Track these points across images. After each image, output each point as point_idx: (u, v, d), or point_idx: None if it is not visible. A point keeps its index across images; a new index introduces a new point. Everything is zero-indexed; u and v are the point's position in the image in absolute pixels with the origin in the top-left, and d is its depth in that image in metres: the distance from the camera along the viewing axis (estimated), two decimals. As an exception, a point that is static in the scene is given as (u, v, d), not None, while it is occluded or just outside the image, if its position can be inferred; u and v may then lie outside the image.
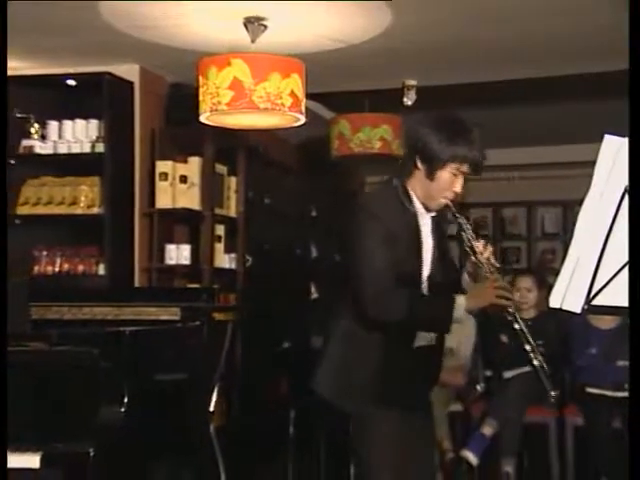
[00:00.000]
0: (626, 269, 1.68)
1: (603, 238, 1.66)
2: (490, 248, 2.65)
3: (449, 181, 2.64)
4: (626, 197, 1.63)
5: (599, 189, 1.67)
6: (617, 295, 1.69)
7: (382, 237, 2.58)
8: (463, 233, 2.64)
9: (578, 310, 1.71)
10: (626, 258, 1.68)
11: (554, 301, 1.73)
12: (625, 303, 1.70)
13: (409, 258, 2.65)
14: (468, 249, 2.64)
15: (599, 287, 1.68)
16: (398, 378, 2.62)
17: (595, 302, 1.70)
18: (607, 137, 1.69)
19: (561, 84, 5.74)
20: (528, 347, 2.59)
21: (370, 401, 2.64)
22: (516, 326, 2.61)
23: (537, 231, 8.94)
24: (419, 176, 2.69)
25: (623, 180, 1.65)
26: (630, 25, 1.89)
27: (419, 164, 2.68)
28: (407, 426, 2.69)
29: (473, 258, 2.62)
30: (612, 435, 4.94)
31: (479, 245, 2.62)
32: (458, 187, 2.65)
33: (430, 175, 2.65)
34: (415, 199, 2.71)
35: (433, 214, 2.76)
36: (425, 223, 2.74)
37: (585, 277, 1.68)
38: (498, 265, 2.63)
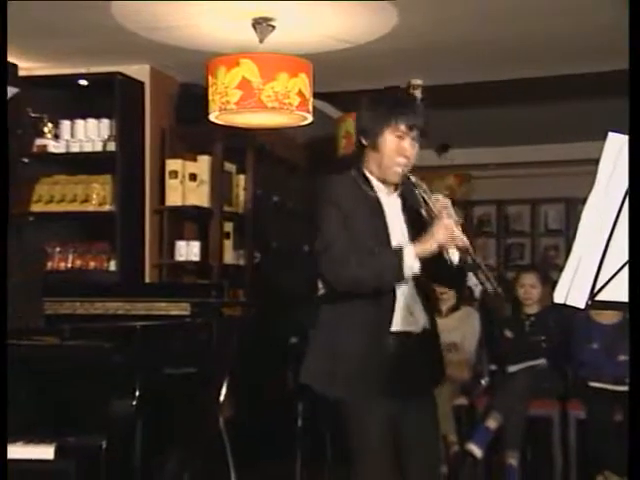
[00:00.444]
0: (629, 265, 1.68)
1: (607, 234, 1.66)
2: (448, 201, 2.60)
3: (394, 146, 2.62)
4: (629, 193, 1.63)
5: (603, 186, 1.66)
6: (620, 290, 1.68)
7: (339, 219, 2.58)
8: (420, 195, 2.61)
9: (582, 305, 1.70)
10: (628, 255, 1.68)
11: (558, 296, 1.72)
12: (626, 299, 1.70)
13: (374, 239, 2.62)
14: (424, 207, 2.61)
15: (603, 283, 1.67)
16: (379, 364, 2.60)
17: (599, 297, 1.69)
18: (610, 134, 1.69)
19: (563, 83, 5.73)
20: (480, 277, 2.51)
21: (351, 387, 2.62)
22: (468, 259, 2.52)
23: (540, 228, 8.92)
24: (369, 154, 2.69)
25: (626, 177, 1.65)
26: (630, 25, 1.88)
27: (364, 141, 2.70)
28: (395, 413, 2.67)
29: (427, 212, 2.60)
30: (614, 428, 4.93)
31: (437, 200, 2.59)
32: (407, 151, 2.63)
33: (374, 146, 2.65)
34: (374, 181, 2.70)
35: (399, 192, 2.73)
36: (391, 203, 2.71)
37: (589, 273, 1.68)
38: (454, 215, 2.56)
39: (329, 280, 2.60)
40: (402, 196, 2.74)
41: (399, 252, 2.54)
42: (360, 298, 2.61)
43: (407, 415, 2.69)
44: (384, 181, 2.69)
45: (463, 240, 2.53)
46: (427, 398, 2.80)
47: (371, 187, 2.69)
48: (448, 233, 2.52)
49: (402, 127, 2.61)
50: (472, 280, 6.87)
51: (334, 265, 2.55)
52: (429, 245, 2.52)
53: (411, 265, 2.52)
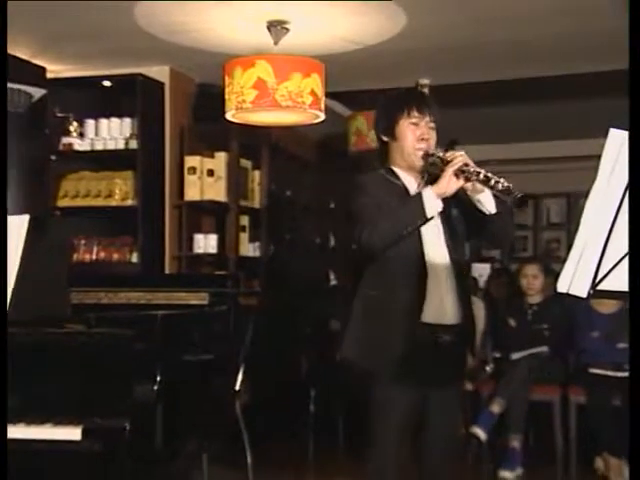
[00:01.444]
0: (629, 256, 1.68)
1: (608, 227, 1.65)
2: (459, 153, 2.59)
3: (411, 132, 2.66)
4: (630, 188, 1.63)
5: (604, 180, 1.66)
6: (621, 280, 1.68)
7: (373, 207, 2.60)
8: (437, 157, 2.61)
9: (584, 294, 1.70)
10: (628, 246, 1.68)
11: (562, 286, 1.71)
12: (627, 288, 1.70)
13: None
14: (439, 162, 2.60)
15: (604, 273, 1.67)
16: (408, 352, 2.59)
17: (600, 287, 1.68)
18: (612, 130, 1.68)
19: (564, 83, 5.71)
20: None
21: (382, 370, 2.62)
22: (481, 176, 2.48)
23: (543, 221, 8.90)
24: (391, 148, 2.72)
25: (627, 171, 1.64)
26: (630, 25, 1.86)
27: (384, 138, 2.73)
28: (421, 398, 2.67)
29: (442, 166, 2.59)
30: (613, 412, 4.93)
31: (450, 154, 2.58)
32: (425, 135, 2.66)
33: (394, 137, 2.69)
34: (401, 174, 2.72)
35: (425, 181, 2.72)
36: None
37: (591, 263, 1.67)
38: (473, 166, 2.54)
39: (366, 243, 2.56)
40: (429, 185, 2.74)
41: (419, 195, 2.54)
42: (391, 283, 2.61)
43: (432, 400, 2.69)
44: (410, 169, 2.71)
45: (474, 166, 2.52)
46: (452, 386, 2.80)
47: (398, 179, 2.72)
48: (458, 166, 2.50)
49: (415, 114, 2.66)
50: (476, 271, 6.88)
51: (371, 233, 2.54)
52: (445, 182, 2.51)
53: (432, 204, 2.51)
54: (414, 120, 2.66)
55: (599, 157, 1.73)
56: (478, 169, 2.51)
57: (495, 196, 2.57)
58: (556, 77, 5.59)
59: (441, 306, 2.63)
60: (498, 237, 2.78)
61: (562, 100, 6.46)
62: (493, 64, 5.37)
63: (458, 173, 2.51)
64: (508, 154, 7.57)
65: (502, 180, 2.46)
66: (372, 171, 2.80)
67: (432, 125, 2.69)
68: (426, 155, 2.65)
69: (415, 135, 2.66)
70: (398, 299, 2.60)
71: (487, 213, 2.61)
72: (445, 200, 2.58)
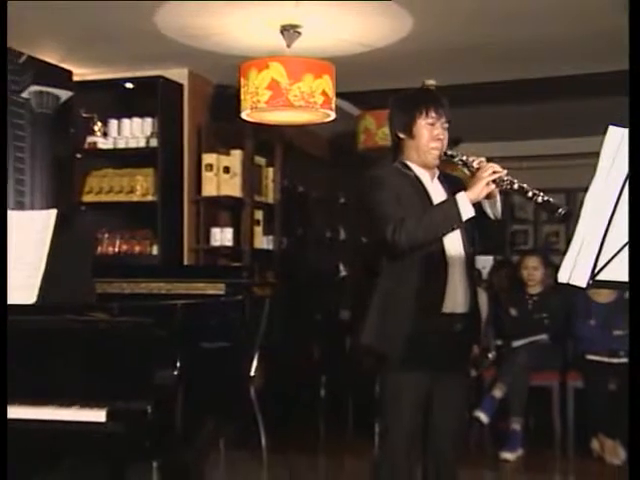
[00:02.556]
0: (626, 248, 1.67)
1: (607, 219, 1.64)
2: (483, 159, 2.58)
3: (427, 131, 2.65)
4: (628, 182, 1.61)
5: (604, 175, 1.65)
6: (619, 271, 1.67)
7: (392, 199, 2.59)
8: (459, 160, 2.60)
9: (584, 285, 1.69)
10: (626, 239, 1.67)
11: (562, 277, 1.70)
12: (625, 278, 1.69)
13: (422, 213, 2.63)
14: (465, 168, 2.59)
15: (603, 264, 1.66)
16: (425, 338, 2.59)
17: (599, 277, 1.67)
18: (611, 127, 1.67)
19: (563, 83, 5.69)
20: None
21: (399, 355, 2.61)
22: (515, 186, 2.47)
23: (543, 216, 8.85)
24: (406, 145, 2.71)
25: (626, 167, 1.63)
26: (630, 25, 1.83)
27: (400, 135, 2.71)
28: (432, 382, 2.67)
29: (469, 172, 2.58)
30: (608, 396, 4.93)
31: (475, 160, 2.57)
32: (440, 135, 2.65)
33: (411, 135, 2.68)
34: (415, 168, 2.71)
35: (437, 177, 2.73)
36: (434, 187, 2.71)
37: (590, 255, 1.66)
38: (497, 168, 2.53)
39: (399, 244, 2.54)
40: (441, 180, 2.74)
41: (454, 199, 2.53)
42: (415, 276, 2.60)
43: (442, 385, 2.69)
44: (424, 166, 2.70)
45: (507, 175, 2.51)
46: (461, 372, 2.81)
47: (412, 171, 2.71)
48: (492, 174, 2.49)
49: (432, 114, 2.65)
50: (480, 263, 6.85)
51: (399, 231, 2.52)
52: (479, 188, 2.50)
53: (466, 209, 2.50)
54: (431, 120, 2.65)
55: (597, 154, 1.72)
56: (513, 179, 2.50)
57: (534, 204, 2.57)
58: (556, 77, 5.56)
59: (456, 296, 2.63)
60: (493, 239, 2.78)
61: (560, 100, 6.43)
62: (495, 65, 5.35)
63: (490, 182, 2.51)
64: (508, 152, 7.53)
65: (541, 194, 2.45)
66: (386, 165, 2.79)
67: (446, 125, 2.68)
68: (442, 155, 2.65)
69: (431, 134, 2.65)
70: (419, 291, 2.60)
71: (492, 218, 2.61)
72: None
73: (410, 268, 2.61)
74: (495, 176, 2.50)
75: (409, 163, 2.71)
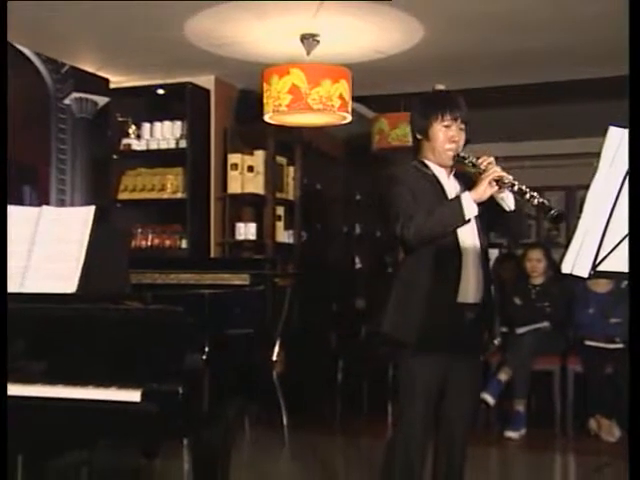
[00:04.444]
0: (625, 240, 1.65)
1: (607, 215, 1.63)
2: (491, 159, 2.56)
3: (443, 134, 2.63)
4: (627, 179, 1.60)
5: (604, 172, 1.63)
6: (618, 262, 1.65)
7: (408, 196, 2.58)
8: (469, 162, 2.59)
9: (586, 275, 1.67)
10: (625, 232, 1.65)
11: (565, 268, 1.69)
12: (624, 269, 1.68)
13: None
14: (472, 166, 2.58)
15: (603, 256, 1.64)
16: (441, 327, 2.58)
17: (599, 268, 1.66)
18: (611, 128, 1.65)
19: (563, 87, 5.66)
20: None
21: (416, 341, 2.60)
22: (515, 188, 2.46)
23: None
24: (424, 145, 2.69)
25: (625, 165, 1.62)
26: (630, 29, 1.80)
27: (418, 136, 2.70)
28: (447, 368, 2.66)
29: (473, 169, 2.57)
30: (605, 379, 4.92)
31: (483, 162, 2.55)
32: (455, 137, 2.64)
33: (427, 136, 2.66)
34: (432, 166, 2.69)
35: (453, 174, 2.72)
36: (449, 184, 2.70)
37: (591, 248, 1.65)
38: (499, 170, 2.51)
39: (407, 239, 2.54)
40: (457, 177, 2.73)
41: (458, 199, 2.52)
42: (431, 268, 2.59)
43: (455, 370, 2.67)
44: (440, 165, 2.69)
45: (509, 177, 2.49)
46: (474, 358, 2.80)
47: (429, 169, 2.70)
48: (495, 176, 2.48)
49: (447, 117, 2.63)
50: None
51: (407, 227, 2.52)
52: (482, 189, 2.49)
53: (470, 208, 2.50)
54: (446, 123, 2.63)
55: (595, 154, 1.70)
56: (513, 181, 2.49)
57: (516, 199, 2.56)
58: (557, 82, 5.53)
59: (469, 287, 2.61)
60: (514, 231, 2.77)
61: (561, 103, 6.39)
62: (500, 71, 5.32)
63: (492, 182, 2.50)
64: (512, 151, 7.48)
65: (536, 195, 2.43)
66: (405, 164, 2.78)
67: (462, 127, 2.66)
68: (456, 156, 2.64)
69: (446, 136, 2.63)
70: (435, 282, 2.58)
71: (507, 210, 2.60)
72: None
73: (426, 261, 2.59)
74: (495, 176, 2.48)
75: (427, 162, 2.70)
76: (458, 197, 2.53)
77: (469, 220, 2.53)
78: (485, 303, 2.68)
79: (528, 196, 2.43)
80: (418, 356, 2.59)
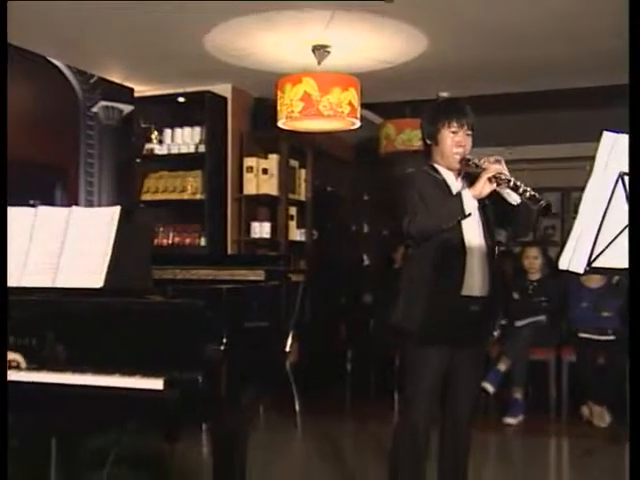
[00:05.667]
0: (618, 238, 1.65)
1: (601, 214, 1.62)
2: (491, 159, 2.56)
3: (450, 139, 2.64)
4: (620, 181, 1.59)
5: (599, 174, 1.62)
6: (612, 259, 1.65)
7: (412, 193, 2.59)
8: (473, 163, 2.59)
9: (581, 271, 1.66)
10: (618, 230, 1.64)
11: (562, 264, 1.68)
12: (617, 265, 1.67)
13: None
14: (475, 167, 2.58)
15: (597, 253, 1.63)
16: (446, 319, 2.58)
17: (594, 265, 1.65)
18: (605, 133, 1.64)
19: (559, 96, 5.64)
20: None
21: (423, 332, 2.60)
22: (511, 183, 2.46)
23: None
24: (433, 150, 2.70)
25: (618, 167, 1.61)
26: (630, 42, 1.78)
27: (428, 141, 2.71)
28: (451, 358, 2.65)
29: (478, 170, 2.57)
30: (597, 369, 4.91)
31: (484, 162, 2.55)
32: (462, 142, 2.64)
33: (436, 142, 2.67)
34: (441, 169, 2.70)
35: (461, 176, 2.71)
36: (457, 185, 2.69)
37: (587, 245, 1.64)
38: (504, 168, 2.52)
39: (412, 234, 2.55)
40: (464, 179, 2.72)
41: (459, 195, 2.53)
42: (437, 262, 2.59)
43: (460, 358, 2.67)
44: (448, 168, 2.69)
45: (506, 174, 2.50)
46: (477, 348, 2.77)
47: (439, 173, 2.70)
48: (491, 173, 2.49)
49: (454, 124, 2.63)
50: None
51: (416, 224, 2.53)
52: (480, 185, 2.50)
53: (469, 203, 2.50)
54: (454, 129, 2.63)
55: (587, 158, 1.69)
56: (509, 177, 2.50)
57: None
58: (552, 91, 5.52)
59: (473, 281, 2.60)
60: (521, 225, 2.73)
61: (556, 110, 6.37)
62: (499, 80, 5.30)
63: (491, 179, 2.50)
64: (512, 155, 7.45)
65: (529, 189, 2.44)
66: (416, 167, 2.78)
67: (469, 133, 2.66)
68: (463, 160, 2.64)
69: (454, 142, 2.64)
70: (441, 276, 2.58)
71: (513, 204, 2.60)
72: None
73: (432, 255, 2.59)
74: (492, 173, 2.49)
75: (436, 165, 2.71)
76: (459, 193, 2.55)
77: (469, 214, 2.52)
78: (489, 296, 2.66)
79: (521, 190, 2.44)
80: (425, 345, 2.59)
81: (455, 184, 2.69)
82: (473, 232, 2.62)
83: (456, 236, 2.58)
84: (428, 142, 2.71)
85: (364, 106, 4.84)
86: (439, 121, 2.65)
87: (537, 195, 2.41)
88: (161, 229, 5.41)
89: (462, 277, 2.58)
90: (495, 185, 2.50)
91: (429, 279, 2.59)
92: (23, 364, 2.12)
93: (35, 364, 2.11)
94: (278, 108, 4.40)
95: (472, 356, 2.71)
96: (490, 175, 2.49)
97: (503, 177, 2.49)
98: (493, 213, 2.66)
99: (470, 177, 2.73)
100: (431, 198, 2.60)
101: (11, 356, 2.11)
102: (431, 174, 2.69)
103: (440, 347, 2.60)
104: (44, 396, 2.07)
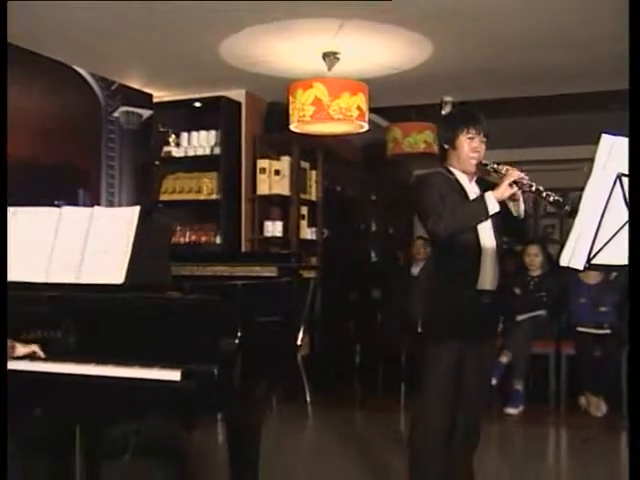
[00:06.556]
0: (616, 236, 1.64)
1: (600, 213, 1.61)
2: (509, 167, 2.58)
3: (467, 145, 2.66)
4: (618, 181, 1.58)
5: (597, 176, 1.61)
6: (610, 256, 1.64)
7: (437, 197, 2.61)
8: (491, 168, 2.61)
9: (581, 267, 1.66)
10: (616, 229, 1.63)
11: (563, 261, 1.67)
12: (615, 262, 1.66)
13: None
14: (492, 171, 2.60)
15: (596, 250, 1.63)
16: (461, 312, 2.59)
17: (593, 261, 1.64)
18: (604, 135, 1.63)
19: (559, 101, 5.61)
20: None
21: (438, 324, 2.62)
22: (533, 188, 2.49)
23: (541, 210, 8.71)
24: (450, 154, 2.71)
25: (616, 168, 1.60)
26: (630, 47, 1.76)
27: (445, 146, 2.73)
28: (464, 351, 2.64)
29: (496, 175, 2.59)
30: (594, 362, 4.90)
31: (503, 168, 2.57)
32: (478, 148, 2.66)
33: (453, 146, 2.69)
34: (456, 172, 2.71)
35: (475, 180, 2.73)
36: (472, 188, 2.71)
37: (586, 243, 1.63)
38: (521, 174, 2.53)
39: (438, 233, 2.56)
40: (478, 183, 2.75)
41: (482, 197, 2.55)
42: (454, 260, 2.61)
43: (473, 347, 2.66)
44: (463, 172, 2.71)
45: (527, 179, 2.52)
46: (490, 342, 2.79)
47: (454, 176, 2.71)
48: (514, 178, 2.50)
49: (472, 130, 2.66)
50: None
51: (437, 223, 2.54)
52: (502, 189, 2.52)
53: (492, 205, 2.52)
54: (471, 135, 2.66)
55: (587, 160, 1.68)
56: (531, 182, 2.51)
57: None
58: (552, 96, 5.49)
59: (486, 276, 2.63)
60: (516, 234, 2.81)
61: (557, 114, 6.33)
62: (502, 85, 5.27)
63: (512, 184, 2.52)
64: (514, 157, 7.42)
65: (552, 193, 2.46)
66: (433, 170, 2.79)
67: (484, 139, 2.69)
68: (479, 164, 2.66)
69: (470, 147, 2.66)
70: (459, 271, 2.61)
71: (515, 215, 2.62)
72: None
73: (451, 254, 2.62)
74: (516, 177, 2.51)
75: (452, 169, 2.72)
76: (482, 195, 2.57)
77: (491, 216, 2.55)
78: (499, 290, 2.70)
79: (544, 194, 2.46)
80: (442, 337, 2.61)
81: (469, 186, 2.72)
82: (486, 233, 2.65)
83: (472, 236, 2.62)
84: (445, 147, 2.73)
85: (372, 110, 4.83)
86: (457, 127, 2.68)
87: (561, 200, 2.43)
88: (178, 228, 5.41)
89: (478, 273, 2.61)
90: (516, 189, 2.52)
91: (448, 274, 2.62)
92: (41, 354, 2.13)
93: (59, 356, 2.12)
94: (290, 112, 4.40)
95: (485, 344, 2.73)
96: (512, 180, 2.51)
97: (525, 182, 2.51)
98: (500, 220, 2.66)
99: (482, 181, 2.76)
100: (449, 198, 2.62)
101: (29, 348, 2.12)
102: (446, 176, 2.71)
103: (456, 339, 2.61)
104: (69, 387, 2.08)
